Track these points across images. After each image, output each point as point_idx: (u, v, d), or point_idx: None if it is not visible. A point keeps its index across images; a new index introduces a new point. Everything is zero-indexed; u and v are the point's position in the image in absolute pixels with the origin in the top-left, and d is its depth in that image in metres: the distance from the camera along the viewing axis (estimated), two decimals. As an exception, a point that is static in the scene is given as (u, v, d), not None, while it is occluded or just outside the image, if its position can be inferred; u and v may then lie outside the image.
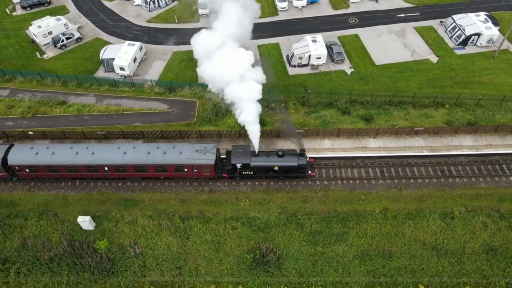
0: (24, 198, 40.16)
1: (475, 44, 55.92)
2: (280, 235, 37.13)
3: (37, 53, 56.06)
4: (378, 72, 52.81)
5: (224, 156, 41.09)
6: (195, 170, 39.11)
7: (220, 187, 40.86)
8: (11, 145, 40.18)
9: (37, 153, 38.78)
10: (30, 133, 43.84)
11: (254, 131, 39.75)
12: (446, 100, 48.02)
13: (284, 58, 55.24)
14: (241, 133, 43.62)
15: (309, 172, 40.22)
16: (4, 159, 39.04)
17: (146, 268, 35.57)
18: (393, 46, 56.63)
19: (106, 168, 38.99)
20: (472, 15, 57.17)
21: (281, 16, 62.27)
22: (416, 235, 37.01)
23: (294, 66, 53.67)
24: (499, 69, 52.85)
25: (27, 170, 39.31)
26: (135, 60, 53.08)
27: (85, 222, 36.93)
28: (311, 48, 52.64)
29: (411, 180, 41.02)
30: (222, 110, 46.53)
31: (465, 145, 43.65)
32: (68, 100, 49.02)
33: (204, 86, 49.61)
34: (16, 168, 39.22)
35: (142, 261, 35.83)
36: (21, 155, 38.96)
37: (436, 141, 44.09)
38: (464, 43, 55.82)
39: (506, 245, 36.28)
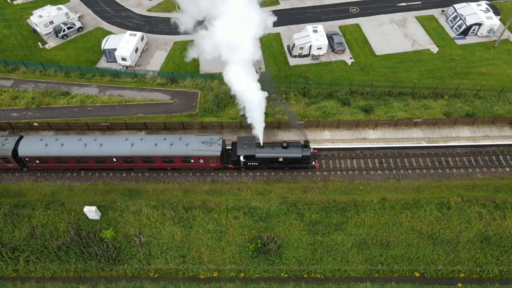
0: (31, 188, 41.13)
1: (476, 34, 56.06)
2: (281, 224, 38.20)
3: (39, 43, 56.30)
4: (378, 63, 53.12)
5: (230, 147, 41.88)
6: (201, 161, 39.98)
7: (222, 177, 41.76)
8: (21, 137, 40.95)
9: (47, 145, 39.61)
10: (35, 124, 44.55)
11: (258, 122, 40.33)
12: (445, 91, 48.48)
13: (285, 48, 55.46)
14: (243, 124, 44.34)
15: (313, 163, 41.05)
16: (15, 150, 39.90)
17: (151, 257, 36.76)
18: (393, 36, 56.77)
19: (114, 160, 39.87)
20: (473, 4, 57.12)
21: (282, 5, 62.15)
22: (413, 225, 38.04)
23: (295, 56, 53.94)
24: (499, 59, 53.13)
25: (37, 161, 40.26)
26: (136, 50, 53.36)
27: (91, 212, 37.95)
28: (312, 38, 52.81)
29: (409, 171, 41.87)
30: (224, 101, 47.12)
31: (463, 136, 44.35)
32: (71, 91, 49.57)
33: (206, 77, 50.16)
34: (27, 159, 40.12)
35: (147, 250, 36.98)
36: (31, 146, 39.80)
37: (434, 133, 44.78)
38: (465, 33, 55.93)
39: (500, 235, 37.33)
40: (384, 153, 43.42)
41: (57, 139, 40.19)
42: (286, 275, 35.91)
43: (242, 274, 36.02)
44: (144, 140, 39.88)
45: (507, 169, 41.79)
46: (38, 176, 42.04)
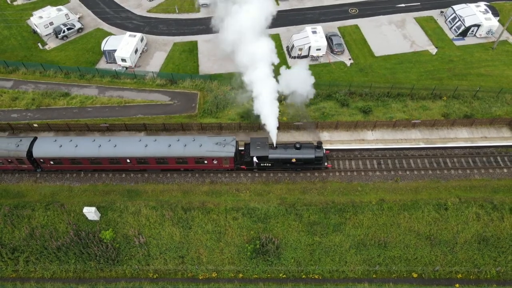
0: (31, 189, 41.32)
1: (475, 35, 56.16)
2: (279, 225, 38.37)
3: (39, 44, 56.46)
4: (377, 64, 53.22)
5: (242, 148, 42.02)
6: (215, 162, 40.13)
7: (221, 178, 41.92)
8: (35, 138, 41.12)
9: (61, 146, 39.77)
10: (35, 125, 44.73)
11: (271, 124, 40.32)
12: (444, 92, 48.61)
13: (284, 49, 55.60)
14: (241, 125, 44.52)
15: (325, 164, 41.16)
16: (29, 151, 40.03)
17: (150, 257, 36.98)
18: (392, 37, 56.87)
19: (128, 160, 40.04)
20: (472, 5, 57.15)
21: (282, 6, 62.22)
22: (411, 226, 38.21)
23: (294, 57, 54.08)
24: (498, 60, 53.23)
25: (51, 162, 40.44)
26: (136, 51, 53.51)
27: (90, 212, 38.14)
28: (311, 40, 52.94)
29: (407, 172, 42.01)
30: (223, 102, 47.30)
31: (461, 137, 44.51)
32: (71, 92, 49.72)
33: (206, 78, 50.32)
34: (41, 160, 40.27)
35: (146, 250, 37.21)
36: (46, 147, 39.94)
37: (433, 134, 44.94)
38: (464, 34, 56.04)
39: (497, 235, 37.49)
40: (383, 154, 43.57)
41: (71, 140, 40.38)
42: (284, 275, 36.09)
43: (240, 275, 36.22)
44: (158, 141, 39.99)
45: (505, 170, 41.93)
46: (38, 177, 42.23)
